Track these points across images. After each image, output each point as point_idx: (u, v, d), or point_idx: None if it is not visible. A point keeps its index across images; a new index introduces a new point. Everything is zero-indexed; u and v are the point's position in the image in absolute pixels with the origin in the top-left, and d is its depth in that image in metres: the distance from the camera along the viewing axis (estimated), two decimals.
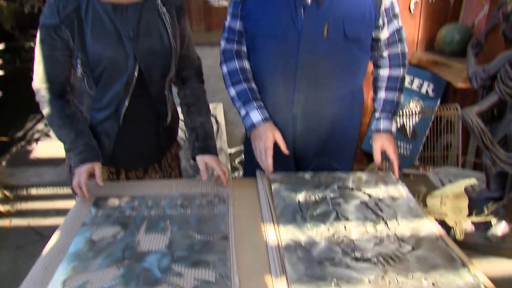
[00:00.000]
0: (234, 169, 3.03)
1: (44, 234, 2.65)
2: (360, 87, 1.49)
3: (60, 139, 1.31)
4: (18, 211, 2.92)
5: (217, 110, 3.03)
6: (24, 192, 3.13)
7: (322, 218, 1.14)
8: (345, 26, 1.31)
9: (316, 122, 1.45)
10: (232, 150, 3.00)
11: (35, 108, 1.35)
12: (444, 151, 2.67)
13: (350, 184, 1.31)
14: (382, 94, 1.45)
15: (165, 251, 1.03)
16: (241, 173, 3.01)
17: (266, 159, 1.36)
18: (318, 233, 1.07)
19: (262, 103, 1.42)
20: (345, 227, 1.10)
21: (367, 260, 0.97)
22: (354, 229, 1.09)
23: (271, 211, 1.19)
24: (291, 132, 1.46)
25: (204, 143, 1.40)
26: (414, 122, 2.82)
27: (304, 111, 1.42)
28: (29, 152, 3.83)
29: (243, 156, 2.95)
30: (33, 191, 3.15)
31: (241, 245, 1.08)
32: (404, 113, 2.80)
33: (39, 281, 0.95)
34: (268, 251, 1.05)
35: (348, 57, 1.37)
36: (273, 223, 1.13)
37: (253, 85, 1.44)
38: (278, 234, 1.08)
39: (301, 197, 1.24)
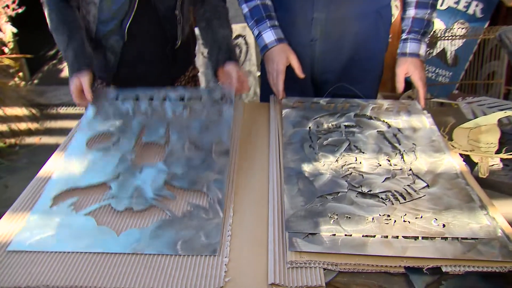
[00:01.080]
0: None
1: None
2: (387, 4, 1.32)
3: (58, 44, 1.23)
4: (48, 129, 2.97)
5: (247, 30, 2.88)
6: (54, 111, 3.16)
7: (333, 148, 1.05)
8: None
9: (337, 43, 1.31)
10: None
11: None
12: (488, 80, 2.46)
13: (369, 112, 1.20)
14: (411, 12, 1.27)
15: (160, 167, 1.00)
16: None
17: (277, 83, 1.25)
18: (325, 164, 0.99)
19: (276, 22, 1.29)
20: (356, 158, 1.01)
21: (374, 196, 0.89)
22: (365, 161, 1.00)
23: (278, 137, 1.11)
24: (309, 55, 1.33)
25: (228, 54, 1.26)
26: (456, 47, 2.59)
27: (323, 31, 1.28)
28: (60, 71, 3.83)
29: None
30: (62, 110, 3.18)
31: (241, 169, 1.02)
32: (446, 36, 2.57)
33: (31, 198, 0.93)
34: (269, 177, 0.98)
35: None
36: (278, 151, 1.06)
37: (268, 1, 1.30)
38: (281, 162, 1.01)
39: (312, 124, 1.14)
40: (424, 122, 1.15)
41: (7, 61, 2.88)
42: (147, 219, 0.88)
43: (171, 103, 1.19)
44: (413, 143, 1.06)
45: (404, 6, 1.30)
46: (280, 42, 1.27)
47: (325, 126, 1.14)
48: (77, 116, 3.11)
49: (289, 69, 1.28)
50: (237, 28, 2.82)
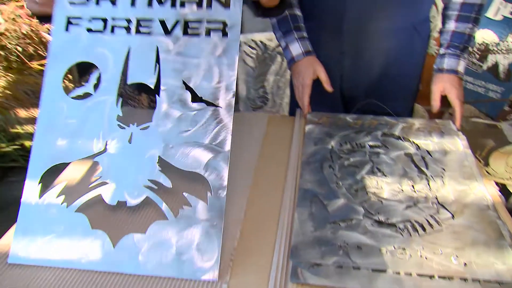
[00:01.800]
0: None
1: None
2: (425, 17, 1.24)
3: None
4: None
5: None
6: None
7: (353, 169, 0.99)
8: None
9: (368, 58, 1.24)
10: None
11: None
12: None
13: (398, 132, 1.13)
14: (451, 25, 1.19)
15: (153, 132, 0.85)
16: None
17: (303, 97, 1.21)
18: (343, 187, 0.93)
19: (304, 34, 1.24)
20: (377, 182, 0.94)
21: (392, 225, 0.82)
22: (387, 186, 0.93)
23: (298, 155, 1.06)
24: (338, 68, 1.27)
25: None
26: (510, 61, 2.43)
27: (353, 44, 1.22)
28: None
29: None
30: None
31: (255, 186, 0.98)
32: (499, 49, 2.41)
33: None
34: (283, 197, 0.93)
35: None
36: (296, 170, 1.01)
37: (297, 11, 1.25)
38: (296, 183, 0.96)
39: (335, 142, 1.09)
40: (457, 144, 1.07)
41: None
42: (142, 219, 0.81)
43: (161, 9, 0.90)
44: (442, 168, 0.98)
45: (443, 18, 1.22)
46: (308, 54, 1.23)
47: (349, 145, 1.08)
48: None
49: (318, 82, 1.23)
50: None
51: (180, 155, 0.82)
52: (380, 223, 0.83)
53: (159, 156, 0.82)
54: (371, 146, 1.07)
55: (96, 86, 0.87)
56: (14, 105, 2.60)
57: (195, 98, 0.85)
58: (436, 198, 0.89)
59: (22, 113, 2.64)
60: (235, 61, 0.85)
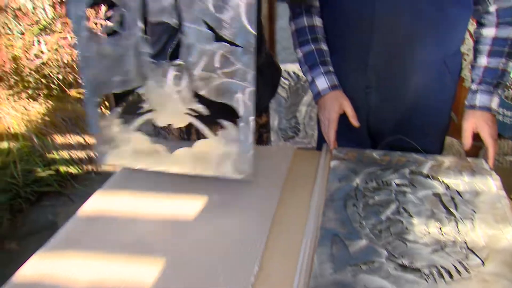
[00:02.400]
0: None
1: None
2: (456, 52, 1.21)
3: None
4: None
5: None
6: None
7: (378, 209, 0.96)
8: None
9: (395, 93, 1.22)
10: None
11: None
12: None
13: (426, 170, 1.09)
14: (483, 60, 1.15)
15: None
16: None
17: (329, 132, 1.19)
18: (366, 227, 0.90)
19: (331, 68, 1.23)
20: (402, 223, 0.91)
21: (416, 270, 0.78)
22: (412, 228, 0.89)
23: (322, 193, 1.04)
24: (365, 103, 1.26)
25: None
26: None
27: (380, 79, 1.20)
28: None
29: None
30: None
31: (277, 221, 0.97)
32: None
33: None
34: (304, 237, 0.91)
35: (441, 14, 1.10)
36: (319, 207, 0.98)
37: (323, 46, 1.25)
38: (318, 221, 0.93)
39: (360, 179, 1.06)
40: (490, 185, 1.02)
41: None
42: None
43: None
44: (473, 210, 0.94)
45: (475, 53, 1.19)
46: (334, 89, 1.21)
47: (374, 182, 1.05)
48: None
49: (344, 117, 1.21)
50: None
51: (211, 88, 0.97)
52: (403, 267, 0.79)
53: (194, 90, 0.99)
54: (397, 185, 1.04)
55: (120, 24, 0.97)
56: (51, 131, 2.69)
57: (218, 37, 0.92)
58: (465, 243, 0.85)
59: (59, 138, 2.72)
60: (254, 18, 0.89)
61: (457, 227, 0.89)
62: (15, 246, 2.23)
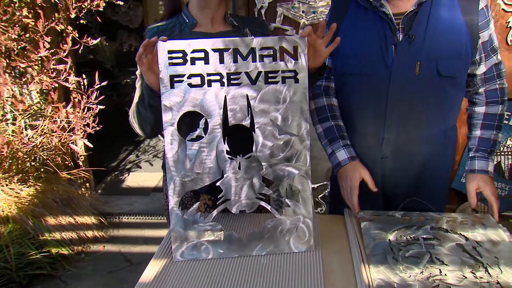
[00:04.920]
0: (317, 204, 3.01)
1: (133, 261, 2.78)
2: (453, 125, 1.44)
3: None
4: (111, 237, 3.11)
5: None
6: (116, 219, 3.32)
7: (415, 260, 1.10)
8: (438, 63, 1.27)
9: (407, 162, 1.41)
10: (315, 186, 2.99)
11: (129, 140, 1.43)
12: None
13: (444, 225, 1.25)
14: (477, 132, 1.38)
15: (254, 158, 1.17)
16: (324, 208, 2.99)
17: (352, 198, 1.34)
18: (411, 276, 1.03)
19: (348, 142, 1.42)
20: (440, 270, 1.05)
21: None
22: (450, 273, 1.03)
23: (360, 250, 1.17)
24: (380, 171, 1.43)
25: None
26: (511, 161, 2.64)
27: (394, 150, 1.39)
28: (122, 181, 4.07)
29: (326, 192, 2.95)
30: (125, 219, 3.34)
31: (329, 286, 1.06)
32: (501, 151, 2.64)
33: None
34: None
35: (441, 95, 1.33)
36: (363, 263, 1.11)
37: (341, 123, 1.44)
38: (369, 274, 1.05)
39: (392, 236, 1.20)
40: (502, 235, 1.19)
41: (82, 174, 3.12)
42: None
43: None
44: (495, 257, 1.09)
45: (469, 126, 1.42)
46: (353, 160, 1.39)
47: (404, 238, 1.19)
48: (138, 225, 3.26)
49: (360, 183, 1.37)
50: None
51: (276, 172, 1.17)
52: None
53: (262, 176, 1.17)
54: (424, 239, 1.19)
55: (205, 130, 1.15)
56: (43, 213, 2.68)
57: (281, 131, 1.15)
58: (499, 283, 0.99)
59: (51, 220, 2.72)
60: (306, 102, 1.15)
61: (487, 271, 1.04)
62: None
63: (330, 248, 1.21)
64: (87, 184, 3.66)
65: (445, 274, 1.03)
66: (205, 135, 1.15)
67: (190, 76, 1.12)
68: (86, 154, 3.29)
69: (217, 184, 1.17)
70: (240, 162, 1.16)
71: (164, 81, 1.11)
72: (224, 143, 1.15)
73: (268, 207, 1.19)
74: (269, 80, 1.14)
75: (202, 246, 1.17)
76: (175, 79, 1.12)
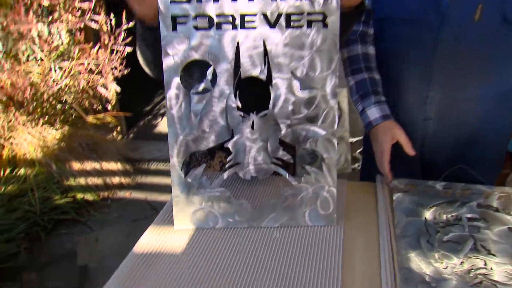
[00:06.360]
0: (354, 159, 2.83)
1: (159, 210, 2.72)
2: None
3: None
4: (138, 184, 3.06)
5: (341, 96, 2.84)
6: (145, 166, 3.26)
7: (455, 246, 0.91)
8: (506, 6, 1.03)
9: (454, 125, 1.19)
10: (354, 140, 2.79)
11: (162, 84, 1.27)
12: None
13: (495, 203, 1.05)
14: None
15: (270, 116, 1.00)
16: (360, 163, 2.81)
17: (383, 164, 1.15)
18: (448, 267, 0.85)
19: (383, 98, 1.20)
20: (485, 262, 0.86)
21: None
22: (496, 267, 0.85)
23: (390, 229, 0.99)
24: (421, 134, 1.22)
25: None
26: None
27: (439, 111, 1.17)
28: (154, 126, 4.00)
29: None
30: (153, 166, 3.27)
31: (348, 260, 0.91)
32: None
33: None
34: (381, 281, 0.86)
35: (504, 46, 1.09)
36: (391, 245, 0.94)
37: (377, 76, 1.22)
38: (395, 260, 0.88)
39: (429, 214, 1.02)
40: None
41: (109, 118, 3.04)
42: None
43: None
44: None
45: None
46: (386, 119, 1.18)
47: (444, 217, 1.00)
48: (167, 173, 3.19)
49: (396, 145, 1.17)
50: None
51: (296, 135, 0.99)
52: None
53: (279, 138, 0.99)
54: (468, 219, 0.99)
55: (213, 82, 0.96)
56: (68, 158, 2.64)
57: (303, 86, 0.96)
58: None
59: (76, 165, 2.67)
60: (336, 51, 0.94)
61: None
62: (35, 277, 2.15)
63: (355, 223, 1.05)
64: (118, 129, 3.60)
65: (491, 268, 0.85)
66: (213, 88, 0.97)
67: (196, 17, 0.92)
68: (115, 98, 3.20)
69: (226, 145, 1.01)
70: (253, 121, 0.98)
71: (165, 22, 0.92)
72: (236, 98, 0.97)
73: (285, 174, 1.02)
74: (292, 23, 0.92)
75: (208, 214, 1.03)
76: (178, 20, 0.92)
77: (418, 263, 0.86)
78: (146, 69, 1.21)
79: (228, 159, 1.02)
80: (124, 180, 2.95)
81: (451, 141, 1.22)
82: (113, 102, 3.35)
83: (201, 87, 0.98)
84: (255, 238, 1.00)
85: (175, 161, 1.00)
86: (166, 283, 0.87)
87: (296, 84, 0.96)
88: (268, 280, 0.86)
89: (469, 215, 1.00)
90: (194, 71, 1.02)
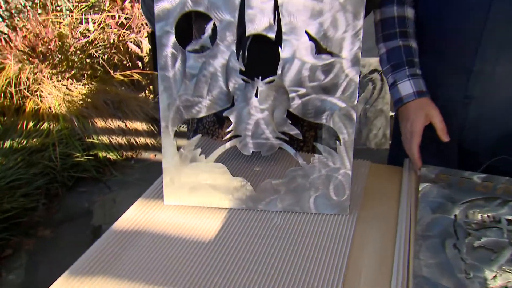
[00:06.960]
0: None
1: None
2: None
3: None
4: None
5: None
6: None
7: (488, 254, 0.75)
8: None
9: (501, 107, 0.99)
10: (394, 114, 2.59)
11: None
12: None
13: None
14: None
15: (278, 84, 0.86)
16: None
17: (412, 148, 0.98)
18: (476, 282, 0.69)
19: (418, 70, 1.02)
20: None
21: None
22: None
23: (410, 225, 0.84)
24: (461, 115, 1.03)
25: None
26: None
27: (485, 89, 0.98)
28: None
29: None
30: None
31: (353, 269, 0.76)
32: None
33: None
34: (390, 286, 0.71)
35: None
36: (408, 246, 0.78)
37: (413, 43, 1.03)
38: (411, 265, 0.73)
39: (460, 211, 0.85)
40: None
41: (136, 76, 2.95)
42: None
43: None
44: None
45: None
46: (420, 96, 1.00)
47: (478, 216, 0.84)
48: None
49: (429, 127, 1.00)
50: (373, 62, 2.57)
51: (308, 107, 0.85)
52: None
53: (287, 109, 0.86)
54: (509, 222, 0.82)
55: (212, 38, 0.83)
56: (92, 115, 2.57)
57: (320, 49, 0.81)
58: None
59: (100, 123, 2.61)
60: (362, 8, 0.78)
61: None
62: (49, 234, 2.13)
63: (370, 214, 0.90)
64: (151, 87, 3.52)
65: None
66: (212, 46, 0.83)
67: None
68: (148, 56, 3.10)
69: (225, 114, 0.87)
70: (258, 88, 0.84)
71: None
72: (238, 59, 0.83)
73: (292, 152, 0.88)
74: None
75: (201, 190, 0.90)
76: None
77: (438, 272, 0.71)
78: (149, 24, 1.08)
79: (227, 131, 0.89)
80: (150, 141, 2.87)
81: (496, 127, 1.02)
82: (146, 59, 3.26)
83: (199, 44, 0.86)
84: (252, 222, 0.87)
85: (169, 128, 0.87)
86: (144, 259, 0.77)
87: (311, 46, 0.81)
88: (255, 271, 0.74)
89: (510, 217, 0.83)
90: (191, 26, 0.88)
